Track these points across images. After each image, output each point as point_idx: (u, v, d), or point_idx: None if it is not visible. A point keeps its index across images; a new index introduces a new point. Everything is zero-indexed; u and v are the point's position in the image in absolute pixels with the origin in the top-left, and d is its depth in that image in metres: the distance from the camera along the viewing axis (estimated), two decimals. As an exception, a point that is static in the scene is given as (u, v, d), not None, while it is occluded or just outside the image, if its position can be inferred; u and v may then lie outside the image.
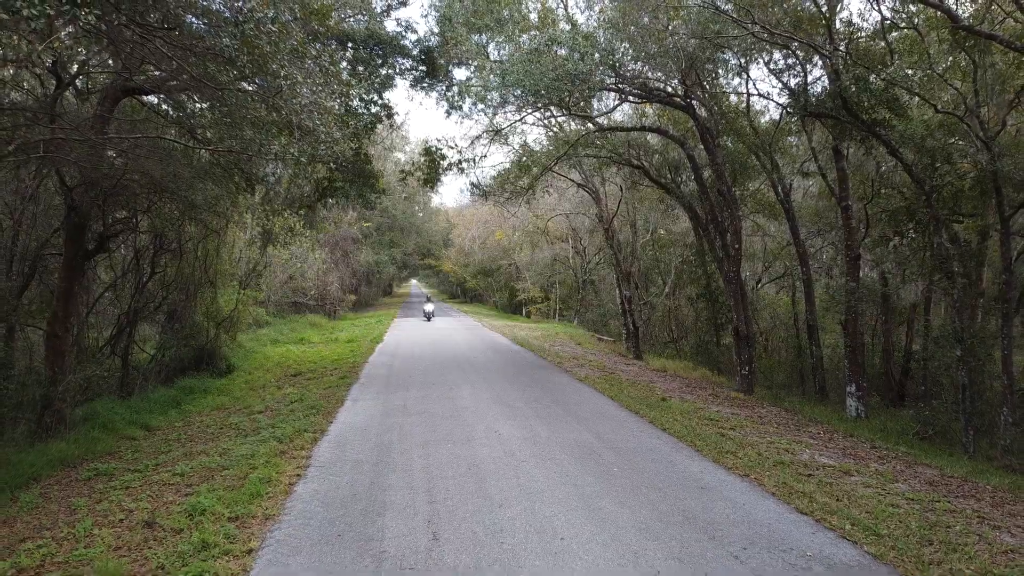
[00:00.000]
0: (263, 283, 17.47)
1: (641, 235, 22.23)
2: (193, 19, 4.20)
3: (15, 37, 6.23)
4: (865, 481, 6.07)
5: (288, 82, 4.81)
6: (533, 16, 11.98)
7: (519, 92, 9.47)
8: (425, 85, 11.42)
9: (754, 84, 12.31)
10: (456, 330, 22.17)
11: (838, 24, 10.65)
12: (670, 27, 9.15)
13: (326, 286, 23.18)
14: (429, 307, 26.99)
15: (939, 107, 8.72)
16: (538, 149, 15.55)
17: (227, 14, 3.95)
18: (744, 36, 8.72)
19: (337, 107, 5.95)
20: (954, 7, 9.48)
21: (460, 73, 12.18)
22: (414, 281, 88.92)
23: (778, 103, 10.98)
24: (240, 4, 3.90)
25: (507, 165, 14.95)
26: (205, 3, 3.87)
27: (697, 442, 6.83)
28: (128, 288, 13.31)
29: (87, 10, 3.50)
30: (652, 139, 15.46)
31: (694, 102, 11.45)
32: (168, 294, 13.50)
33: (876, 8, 8.79)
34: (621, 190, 19.24)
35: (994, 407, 9.60)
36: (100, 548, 4.37)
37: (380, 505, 4.76)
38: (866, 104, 8.22)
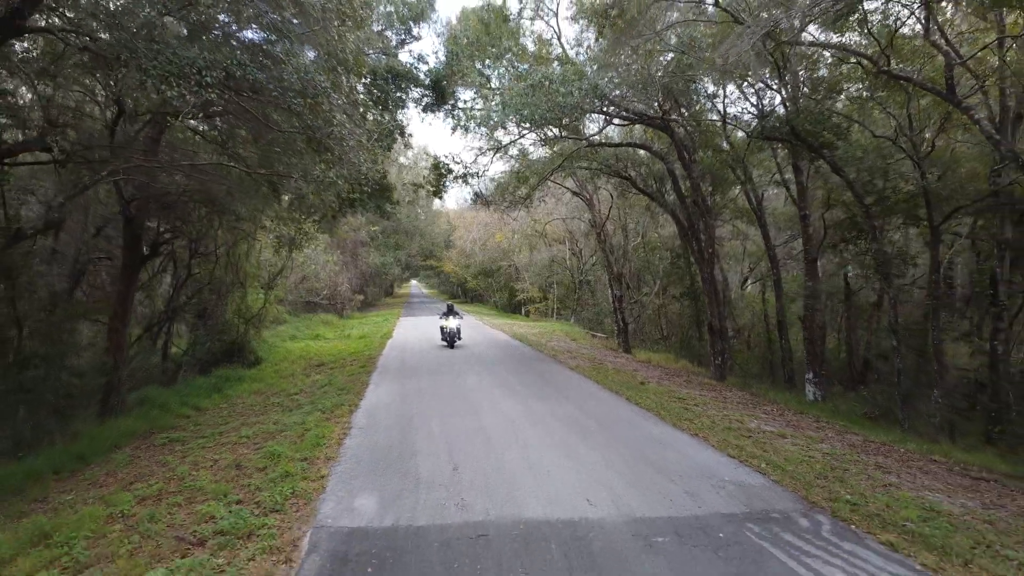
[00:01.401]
0: (280, 284, 18.95)
1: (632, 238, 23.70)
2: (271, 84, 5.65)
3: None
4: (795, 442, 7.56)
5: (339, 128, 6.29)
6: (531, 47, 13.48)
7: (517, 118, 10.95)
8: (434, 108, 12.92)
9: (722, 108, 13.57)
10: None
11: (803, 47, 12.10)
12: (649, 63, 10.62)
13: (337, 286, 24.67)
14: (453, 323, 16.16)
15: (876, 132, 10.21)
16: (535, 158, 17.03)
17: (299, 86, 5.41)
18: (711, 70, 10.19)
19: (368, 140, 7.38)
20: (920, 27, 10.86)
21: (465, 94, 13.59)
22: (414, 282, 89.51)
23: (744, 129, 12.43)
24: (312, 84, 5.37)
25: (507, 176, 16.40)
26: (287, 80, 5.31)
27: (663, 413, 8.33)
28: (160, 289, 14.81)
29: (209, 90, 4.97)
30: (640, 152, 16.93)
31: (673, 122, 12.95)
32: (201, 294, 14.98)
33: (825, 49, 10.24)
34: (612, 197, 20.75)
35: (929, 389, 11.07)
36: (204, 481, 5.85)
37: (411, 451, 6.26)
38: (812, 130, 9.70)
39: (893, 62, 10.47)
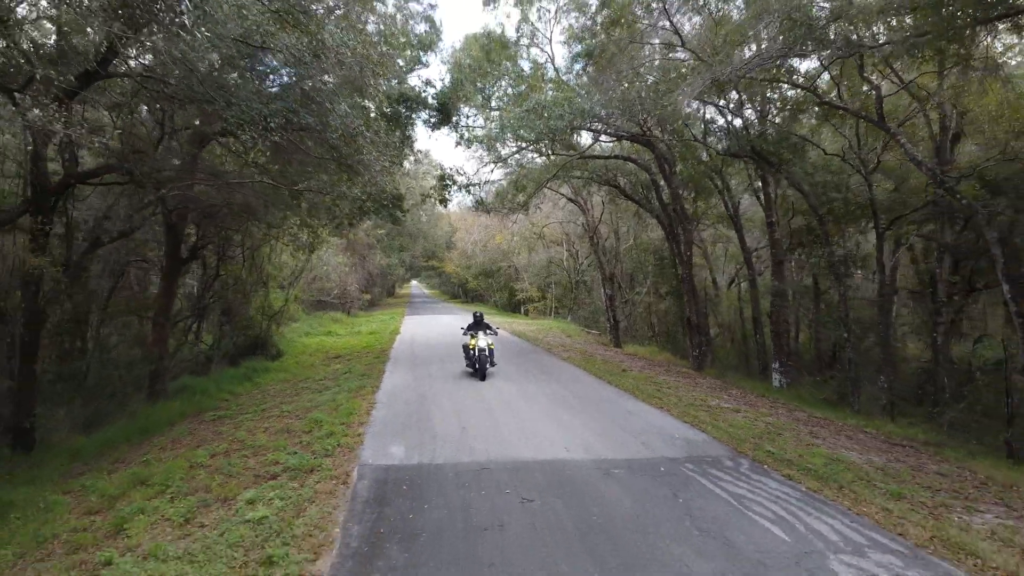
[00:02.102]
0: (298, 283, 20.43)
1: (624, 241, 25.17)
2: (319, 126, 7.10)
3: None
4: (746, 415, 9.02)
5: (368, 156, 7.74)
6: (527, 68, 14.95)
7: (515, 137, 12.42)
8: (439, 126, 14.40)
9: (703, 124, 14.81)
10: (461, 325, 25.07)
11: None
12: (630, 89, 12.08)
13: (347, 286, 26.14)
14: (483, 341, 11.43)
15: (827, 151, 11.67)
16: (532, 167, 18.50)
17: (340, 126, 6.86)
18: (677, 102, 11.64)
19: (390, 164, 8.85)
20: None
21: (468, 110, 15.04)
22: (415, 282, 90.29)
23: (712, 147, 13.87)
24: (351, 125, 6.84)
25: (506, 184, 17.85)
26: (331, 124, 6.77)
27: (637, 393, 9.80)
28: (182, 290, 16.28)
29: (273, 134, 6.42)
30: (628, 163, 18.40)
31: (654, 138, 14.40)
32: (226, 293, 16.45)
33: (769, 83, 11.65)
34: (603, 204, 22.23)
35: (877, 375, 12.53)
36: (262, 441, 7.31)
37: (427, 418, 7.74)
38: (769, 150, 11.16)
39: (847, 84, 12.00)
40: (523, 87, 14.16)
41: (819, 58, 11.42)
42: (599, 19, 10.78)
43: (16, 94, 7.07)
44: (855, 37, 6.75)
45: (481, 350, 11.14)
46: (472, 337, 11.55)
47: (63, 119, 6.60)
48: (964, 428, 11.15)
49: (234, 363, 15.40)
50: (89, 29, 7.33)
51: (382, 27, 10.58)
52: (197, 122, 11.27)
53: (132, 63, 8.14)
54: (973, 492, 6.22)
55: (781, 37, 6.92)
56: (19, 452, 8.63)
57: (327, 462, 6.00)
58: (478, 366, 11.06)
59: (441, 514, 4.61)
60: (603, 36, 10.35)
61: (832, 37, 6.81)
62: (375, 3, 11.14)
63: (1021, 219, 12.16)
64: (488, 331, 11.71)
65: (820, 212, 11.71)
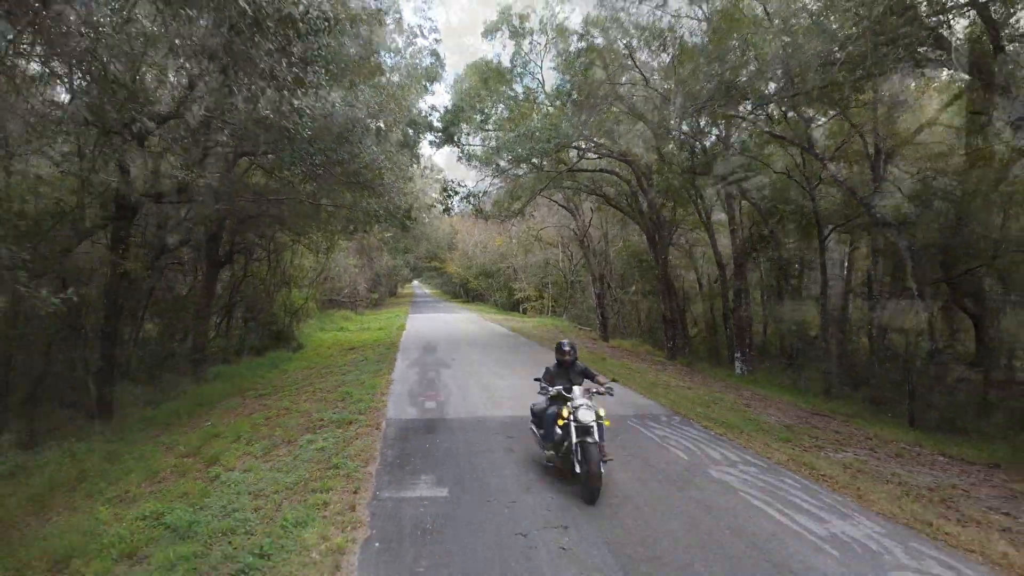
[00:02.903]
0: (316, 283, 22.43)
1: (613, 244, 27.12)
2: (350, 160, 9.04)
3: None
4: (696, 391, 10.98)
5: (388, 180, 9.70)
6: (520, 92, 16.93)
7: (509, 156, 14.42)
8: (442, 144, 16.43)
9: (680, 139, 16.73)
10: (463, 322, 27.10)
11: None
12: (606, 115, 14.06)
13: (356, 286, 28.12)
14: (585, 411, 5.12)
15: (775, 169, 13.64)
16: (527, 178, 20.47)
17: (368, 160, 8.81)
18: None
19: (404, 185, 10.82)
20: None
21: (468, 129, 17.00)
22: (416, 282, 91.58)
23: (680, 166, 15.85)
24: (378, 159, 8.77)
25: (503, 193, 19.82)
26: (362, 159, 8.73)
27: (610, 375, 11.72)
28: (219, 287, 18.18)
29: (318, 168, 8.38)
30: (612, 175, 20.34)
31: (633, 155, 16.36)
32: (252, 292, 18.43)
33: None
34: (592, 210, 24.20)
35: (822, 363, 14.47)
36: (306, 407, 9.27)
37: (435, 390, 9.72)
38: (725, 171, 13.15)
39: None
40: (516, 111, 16.15)
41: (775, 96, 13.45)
42: (578, 64, 12.76)
43: (115, 135, 9.04)
44: (769, 88, 8.66)
45: (585, 430, 5.22)
46: (563, 398, 5.65)
47: (145, 153, 8.59)
48: (888, 405, 13.11)
49: (260, 354, 17.38)
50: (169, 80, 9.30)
51: (394, 60, 12.58)
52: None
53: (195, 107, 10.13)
54: (851, 442, 8.18)
55: (712, 89, 8.87)
56: (100, 422, 10.59)
57: (362, 418, 7.97)
58: (580, 468, 5.16)
59: (450, 443, 6.59)
60: (581, 77, 12.32)
61: (750, 89, 8.74)
62: (388, 41, 13.15)
63: (963, 230, 14.14)
64: (592, 388, 5.90)
65: (770, 221, 13.68)
